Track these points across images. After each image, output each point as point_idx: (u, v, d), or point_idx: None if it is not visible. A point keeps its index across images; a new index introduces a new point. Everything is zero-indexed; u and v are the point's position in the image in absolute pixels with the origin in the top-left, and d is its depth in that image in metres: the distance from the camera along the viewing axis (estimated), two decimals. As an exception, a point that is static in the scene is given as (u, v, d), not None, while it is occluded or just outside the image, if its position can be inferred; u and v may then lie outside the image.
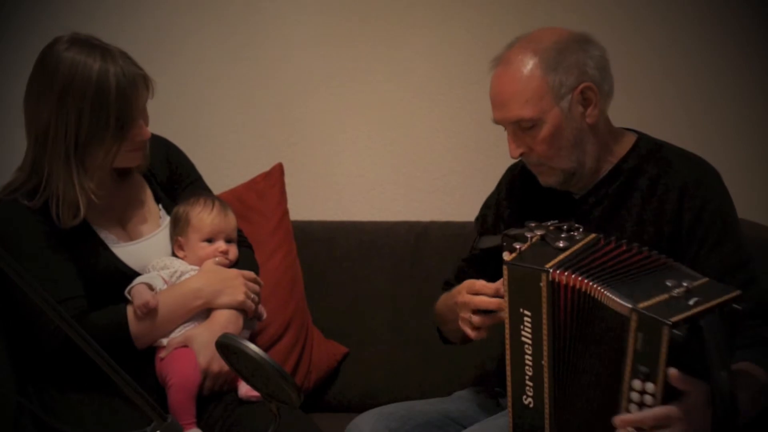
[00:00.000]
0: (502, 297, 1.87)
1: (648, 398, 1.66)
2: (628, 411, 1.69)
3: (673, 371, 1.62)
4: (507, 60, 1.98)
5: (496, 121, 2.02)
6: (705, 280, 1.72)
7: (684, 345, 1.60)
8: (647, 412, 1.66)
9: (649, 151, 2.04)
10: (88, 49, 2.03)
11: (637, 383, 1.67)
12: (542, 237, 1.86)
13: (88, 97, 2.00)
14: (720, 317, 1.65)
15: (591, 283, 1.73)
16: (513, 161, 2.17)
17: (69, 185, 2.03)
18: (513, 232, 1.89)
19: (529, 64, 1.95)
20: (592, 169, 2.03)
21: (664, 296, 1.67)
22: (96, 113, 2.01)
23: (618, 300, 1.69)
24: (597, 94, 1.97)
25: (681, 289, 1.67)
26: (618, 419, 1.69)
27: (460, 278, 2.20)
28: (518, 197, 2.16)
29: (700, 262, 1.92)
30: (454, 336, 2.18)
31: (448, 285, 2.22)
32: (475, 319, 1.94)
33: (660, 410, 1.65)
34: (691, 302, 1.64)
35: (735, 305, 1.68)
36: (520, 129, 1.98)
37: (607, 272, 1.76)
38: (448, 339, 2.24)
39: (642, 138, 2.08)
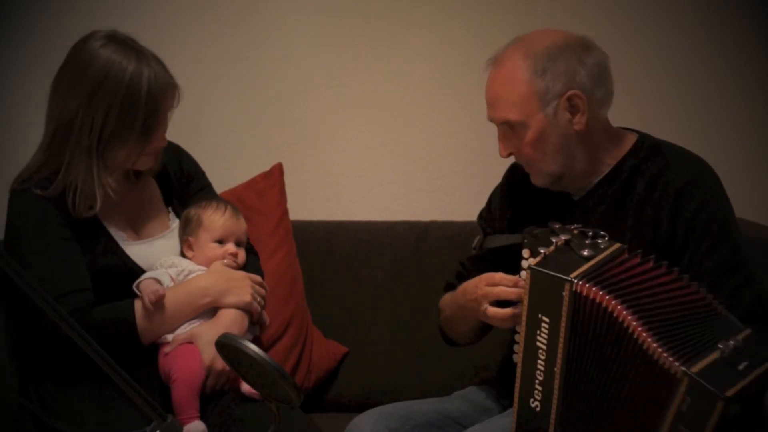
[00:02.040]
0: (522, 288, 1.87)
1: None
2: None
3: None
4: (501, 60, 1.99)
5: (489, 119, 2.03)
6: (748, 332, 1.70)
7: (734, 418, 1.58)
8: None
9: (649, 152, 2.04)
10: (124, 49, 2.06)
11: None
12: (567, 242, 1.85)
13: (118, 97, 2.02)
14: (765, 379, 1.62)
15: (624, 311, 1.71)
16: (515, 160, 2.17)
17: (89, 177, 2.05)
18: (536, 231, 1.89)
19: (518, 68, 1.96)
20: (584, 171, 2.03)
21: (714, 356, 1.64)
22: (124, 114, 2.03)
23: (667, 355, 1.65)
24: (585, 102, 1.96)
25: (728, 348, 1.64)
26: None
27: (460, 279, 2.20)
28: (518, 198, 2.16)
29: (695, 265, 1.92)
30: (461, 337, 2.18)
31: (450, 286, 2.22)
32: (490, 311, 1.94)
33: None
34: (740, 367, 1.61)
35: None
36: (508, 129, 1.99)
37: (635, 293, 1.74)
38: (453, 340, 2.23)
39: (642, 138, 2.08)
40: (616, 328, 1.73)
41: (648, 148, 2.05)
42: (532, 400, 1.85)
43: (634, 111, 2.48)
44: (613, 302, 1.73)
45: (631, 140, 2.07)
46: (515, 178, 2.19)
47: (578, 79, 1.95)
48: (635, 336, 1.70)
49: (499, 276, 1.94)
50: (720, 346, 1.65)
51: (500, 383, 2.12)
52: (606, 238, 1.86)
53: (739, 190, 2.08)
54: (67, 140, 2.06)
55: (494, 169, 2.29)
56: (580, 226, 1.91)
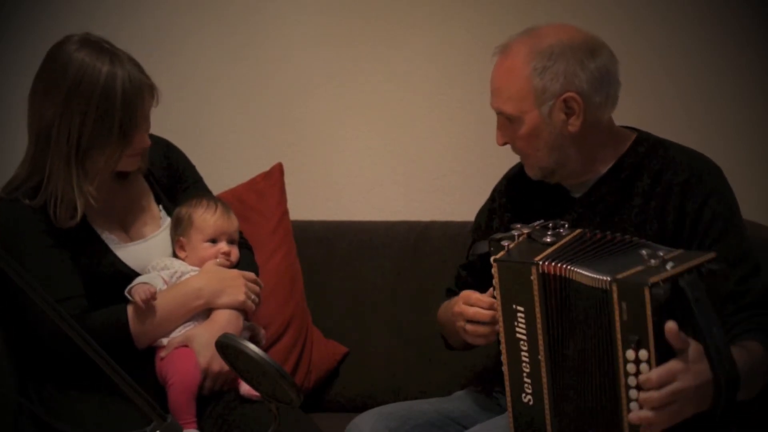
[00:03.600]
0: (496, 309, 1.89)
1: (644, 366, 1.66)
2: (627, 383, 1.68)
3: (671, 324, 1.62)
4: (506, 51, 2.00)
5: (491, 106, 2.04)
6: (680, 251, 1.74)
7: (667, 304, 1.62)
8: (652, 375, 1.64)
9: (650, 148, 2.05)
10: (97, 52, 2.04)
11: (630, 353, 1.67)
12: (529, 235, 1.88)
13: (93, 100, 2.01)
14: (699, 277, 1.67)
15: (569, 267, 1.75)
16: (510, 165, 2.20)
17: (68, 186, 2.04)
18: (498, 236, 1.91)
19: (520, 62, 1.96)
20: (579, 169, 2.04)
21: (640, 267, 1.69)
22: (101, 118, 2.02)
23: (596, 276, 1.70)
24: (581, 105, 1.96)
25: (656, 260, 1.68)
26: (633, 416, 1.68)
27: (458, 285, 2.21)
28: (518, 201, 2.17)
29: None
30: (457, 343, 2.19)
31: (450, 292, 2.23)
32: (468, 327, 1.96)
33: (661, 369, 1.64)
34: (667, 267, 1.66)
35: (713, 266, 1.69)
36: (505, 119, 2.00)
37: (587, 256, 1.78)
38: (452, 345, 2.24)
39: (641, 135, 2.08)
40: (572, 288, 1.76)
41: (649, 145, 2.05)
42: (524, 395, 1.86)
43: (635, 111, 2.47)
44: (567, 267, 1.76)
45: (630, 138, 2.07)
46: (512, 184, 2.20)
47: (577, 83, 1.95)
48: (576, 280, 1.74)
49: (475, 297, 1.95)
50: (644, 255, 1.70)
51: (499, 383, 2.12)
52: (566, 226, 1.89)
53: (739, 189, 2.08)
54: (47, 150, 2.04)
55: (494, 169, 2.29)
56: (542, 221, 1.92)
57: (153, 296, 2.05)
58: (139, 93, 2.04)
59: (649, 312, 1.63)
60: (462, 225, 2.67)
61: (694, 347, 1.66)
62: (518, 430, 1.89)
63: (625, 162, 2.04)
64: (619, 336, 1.68)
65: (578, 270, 1.74)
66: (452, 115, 2.87)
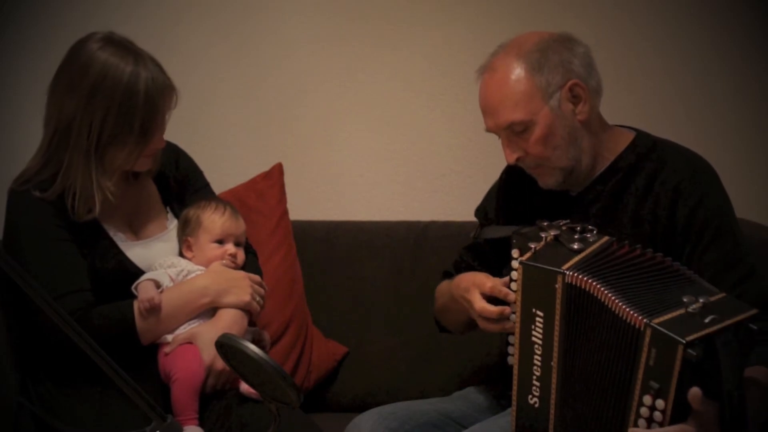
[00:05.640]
0: (512, 302, 1.88)
1: (657, 414, 1.65)
2: (636, 425, 1.68)
3: (696, 391, 1.61)
4: (492, 67, 2.00)
5: (489, 130, 2.03)
6: (722, 295, 1.72)
7: (698, 363, 1.59)
8: (662, 429, 1.64)
9: (647, 149, 2.05)
10: (122, 51, 2.06)
11: (647, 398, 1.66)
12: (556, 237, 1.86)
13: (116, 99, 2.03)
14: (735, 336, 1.64)
15: (605, 290, 1.73)
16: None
17: (87, 180, 2.06)
18: (524, 230, 1.90)
19: (514, 69, 1.96)
20: (589, 165, 2.04)
21: (679, 311, 1.66)
22: (122, 116, 2.03)
23: (632, 312, 1.68)
24: (586, 90, 1.98)
25: (697, 305, 1.66)
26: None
27: (459, 267, 2.20)
28: (516, 194, 2.17)
29: (695, 260, 1.93)
30: (454, 327, 2.19)
31: (448, 275, 2.22)
32: (480, 323, 1.96)
33: (675, 429, 1.63)
34: (706, 320, 1.63)
35: (751, 325, 1.67)
36: (513, 134, 1.99)
37: (622, 278, 1.76)
38: (447, 328, 2.23)
39: (639, 135, 2.08)
40: (599, 308, 1.75)
41: (646, 145, 2.05)
42: (530, 397, 1.86)
43: (635, 110, 2.48)
44: (600, 287, 1.74)
45: (628, 137, 2.08)
46: (512, 176, 2.19)
47: (575, 69, 1.97)
48: (608, 305, 1.73)
49: (490, 285, 1.94)
50: (685, 299, 1.68)
51: (500, 383, 2.12)
52: (594, 232, 1.88)
53: (739, 189, 2.09)
54: (65, 143, 2.06)
55: (494, 169, 2.29)
56: (568, 222, 1.92)
57: (155, 307, 2.06)
58: (160, 94, 2.07)
59: (677, 369, 1.61)
60: (462, 225, 2.67)
61: (712, 409, 1.63)
62: (519, 429, 1.89)
63: (622, 162, 2.04)
64: (640, 377, 1.67)
65: (612, 296, 1.72)
66: (452, 115, 2.87)
